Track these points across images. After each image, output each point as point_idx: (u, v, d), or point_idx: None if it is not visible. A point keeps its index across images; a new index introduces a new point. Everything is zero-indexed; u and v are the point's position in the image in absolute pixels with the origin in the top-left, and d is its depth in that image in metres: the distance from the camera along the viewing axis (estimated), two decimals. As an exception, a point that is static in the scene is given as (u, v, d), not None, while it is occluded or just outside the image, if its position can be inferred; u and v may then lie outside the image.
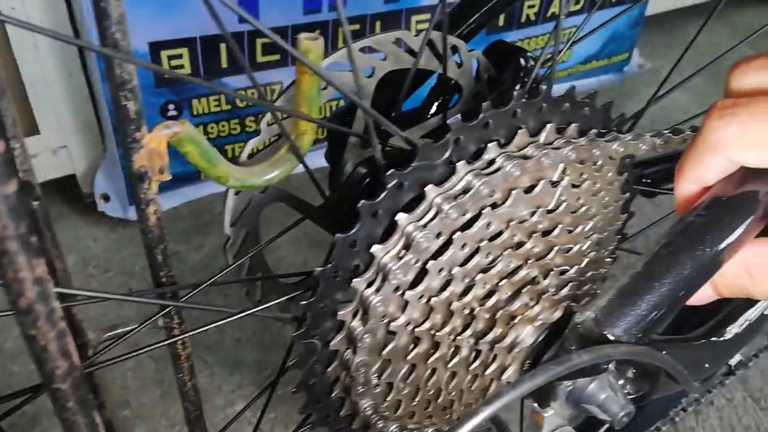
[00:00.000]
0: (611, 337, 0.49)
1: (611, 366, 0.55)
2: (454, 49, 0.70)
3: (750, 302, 0.72)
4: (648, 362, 0.52)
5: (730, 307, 0.70)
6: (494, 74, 0.76)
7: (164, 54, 1.56)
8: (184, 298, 0.62)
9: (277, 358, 1.50)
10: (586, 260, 0.60)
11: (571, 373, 0.51)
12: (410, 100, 0.80)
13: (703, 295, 0.47)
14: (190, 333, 0.59)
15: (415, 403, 0.61)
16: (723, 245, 0.49)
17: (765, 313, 0.75)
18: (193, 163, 0.57)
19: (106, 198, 1.71)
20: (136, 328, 0.62)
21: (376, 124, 0.67)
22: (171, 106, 1.65)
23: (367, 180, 0.71)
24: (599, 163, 0.60)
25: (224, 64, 1.62)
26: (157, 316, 0.61)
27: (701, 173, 0.44)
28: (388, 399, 0.59)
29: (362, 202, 0.49)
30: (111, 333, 0.62)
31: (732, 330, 0.71)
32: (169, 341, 0.59)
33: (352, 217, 0.72)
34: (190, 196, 1.74)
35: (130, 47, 0.46)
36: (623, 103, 2.18)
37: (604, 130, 0.60)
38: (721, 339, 0.71)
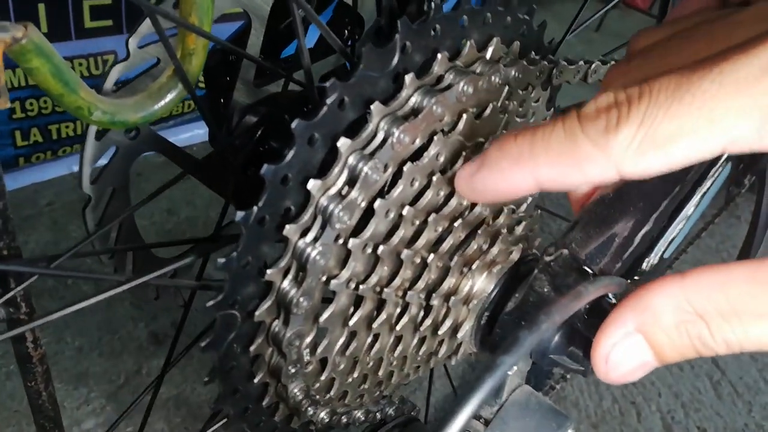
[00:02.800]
0: (591, 271, 0.43)
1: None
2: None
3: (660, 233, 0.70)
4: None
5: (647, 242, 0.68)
6: (396, 7, 0.68)
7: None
8: (32, 279, 0.46)
9: (132, 364, 1.30)
10: (530, 199, 0.54)
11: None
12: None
13: (637, 369, 0.32)
14: (49, 317, 0.44)
15: (349, 381, 0.50)
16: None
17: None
18: (43, 86, 0.42)
19: None
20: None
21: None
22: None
23: (263, 125, 0.59)
24: (534, 92, 0.54)
25: (44, 29, 1.37)
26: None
27: (571, 177, 0.31)
28: (321, 378, 0.48)
29: (298, 121, 0.38)
30: None
31: (648, 262, 0.68)
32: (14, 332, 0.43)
33: (245, 171, 0.60)
34: (7, 186, 1.46)
35: None
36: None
37: (537, 55, 0.54)
38: (641, 277, 0.68)
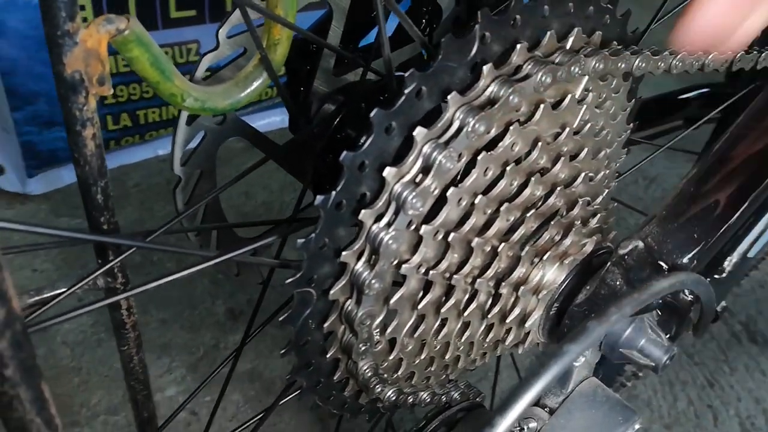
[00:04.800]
0: (666, 266, 0.43)
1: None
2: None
3: (744, 232, 0.68)
4: (697, 295, 0.46)
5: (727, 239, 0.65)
6: (476, -3, 0.68)
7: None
8: (129, 252, 0.50)
9: (210, 338, 1.37)
10: (606, 192, 0.53)
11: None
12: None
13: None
14: (143, 287, 0.47)
15: (417, 362, 0.52)
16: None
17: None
18: (141, 74, 0.45)
19: (0, 170, 1.51)
20: (69, 289, 0.49)
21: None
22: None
23: (341, 113, 0.61)
24: (615, 83, 0.53)
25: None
26: (98, 273, 0.49)
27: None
28: (389, 358, 0.50)
29: (376, 110, 0.40)
30: (37, 297, 0.49)
31: (731, 261, 0.66)
32: (112, 300, 0.47)
33: (323, 157, 0.62)
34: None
35: None
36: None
37: (621, 45, 0.53)
38: (722, 275, 0.66)
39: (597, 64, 0.48)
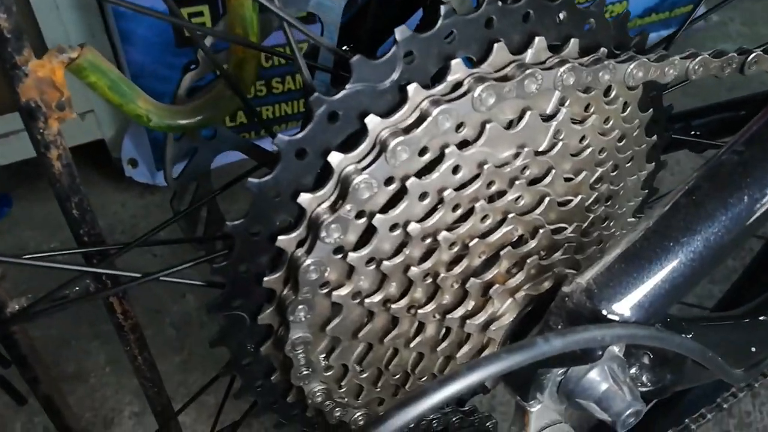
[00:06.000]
0: (607, 314, 0.37)
1: (617, 351, 0.42)
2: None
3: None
4: (660, 347, 0.39)
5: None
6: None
7: (185, 11, 1.48)
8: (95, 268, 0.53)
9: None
10: (592, 217, 0.47)
11: (555, 361, 0.39)
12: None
13: None
14: (106, 293, 0.51)
15: (378, 390, 0.50)
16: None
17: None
18: (103, 98, 0.48)
19: (133, 163, 1.67)
20: (53, 291, 0.53)
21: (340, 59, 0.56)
22: (194, 66, 1.57)
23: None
24: (612, 93, 0.47)
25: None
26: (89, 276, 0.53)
27: None
28: (342, 383, 0.48)
29: (279, 135, 0.38)
30: (32, 301, 0.54)
31: None
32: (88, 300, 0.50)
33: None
34: (218, 162, 1.67)
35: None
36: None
37: (617, 50, 0.46)
38: (773, 318, 0.56)
39: (565, 77, 0.42)
